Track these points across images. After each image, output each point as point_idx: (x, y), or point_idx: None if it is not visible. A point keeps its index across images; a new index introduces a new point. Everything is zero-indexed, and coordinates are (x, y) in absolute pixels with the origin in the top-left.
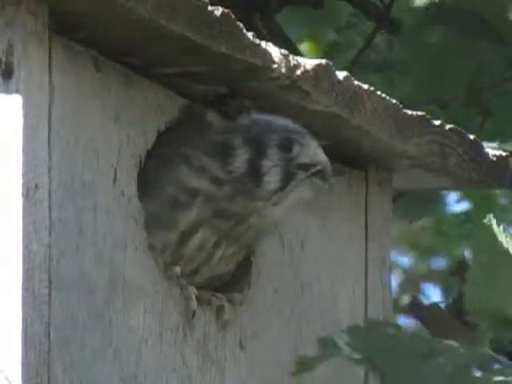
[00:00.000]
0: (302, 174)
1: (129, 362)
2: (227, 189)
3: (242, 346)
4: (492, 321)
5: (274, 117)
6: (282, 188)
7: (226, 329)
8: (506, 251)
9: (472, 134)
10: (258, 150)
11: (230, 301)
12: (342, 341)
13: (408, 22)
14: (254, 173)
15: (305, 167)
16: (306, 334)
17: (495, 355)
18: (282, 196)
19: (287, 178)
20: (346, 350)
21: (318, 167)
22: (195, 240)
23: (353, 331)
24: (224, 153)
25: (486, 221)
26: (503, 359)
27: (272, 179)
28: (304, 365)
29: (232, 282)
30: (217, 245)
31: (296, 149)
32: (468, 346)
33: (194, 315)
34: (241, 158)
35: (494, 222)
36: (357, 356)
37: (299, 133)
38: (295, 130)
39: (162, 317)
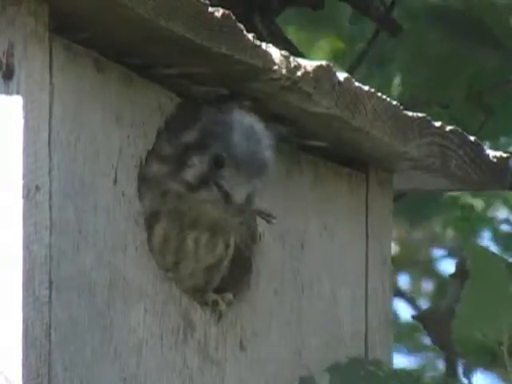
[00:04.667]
0: (213, 192)
1: (129, 363)
2: (168, 166)
3: (242, 347)
4: (477, 354)
5: (244, 124)
6: (193, 188)
7: (223, 321)
8: (496, 281)
9: (474, 132)
10: (201, 144)
11: (223, 299)
12: (323, 381)
13: (408, 24)
14: (183, 159)
15: (221, 190)
16: (307, 334)
17: None
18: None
19: (203, 182)
20: None
21: (229, 199)
22: (158, 232)
23: (333, 370)
24: (183, 129)
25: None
26: None
27: (190, 175)
28: None
29: (232, 283)
30: (181, 235)
31: (225, 172)
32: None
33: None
34: (184, 139)
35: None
36: None
37: (245, 160)
38: (246, 152)
39: (162, 317)
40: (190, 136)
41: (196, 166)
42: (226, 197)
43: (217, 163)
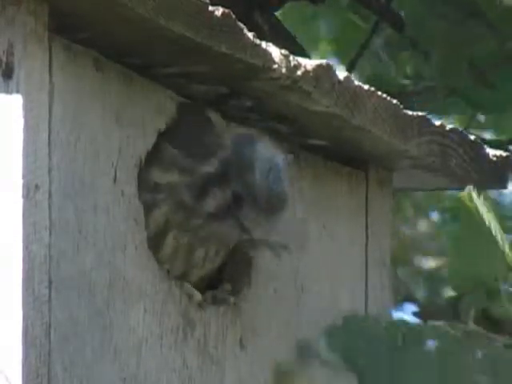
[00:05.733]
0: (231, 223)
1: (129, 362)
2: (186, 177)
3: (242, 346)
4: (476, 293)
5: (263, 161)
6: (212, 217)
7: (223, 320)
8: (486, 223)
9: (480, 107)
10: (222, 177)
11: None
12: (320, 343)
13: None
14: (204, 188)
15: (240, 224)
16: (306, 334)
17: (481, 330)
18: (209, 228)
19: (222, 213)
20: (324, 352)
21: (247, 232)
22: (168, 241)
23: (330, 332)
24: (206, 153)
25: (466, 193)
26: (490, 334)
27: (211, 205)
28: (283, 374)
29: (232, 282)
30: (191, 247)
31: (244, 210)
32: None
33: (201, 306)
34: (205, 168)
35: (474, 193)
36: (335, 358)
37: (265, 202)
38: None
39: (161, 317)
40: (211, 166)
41: (216, 197)
42: (245, 230)
43: (237, 202)
